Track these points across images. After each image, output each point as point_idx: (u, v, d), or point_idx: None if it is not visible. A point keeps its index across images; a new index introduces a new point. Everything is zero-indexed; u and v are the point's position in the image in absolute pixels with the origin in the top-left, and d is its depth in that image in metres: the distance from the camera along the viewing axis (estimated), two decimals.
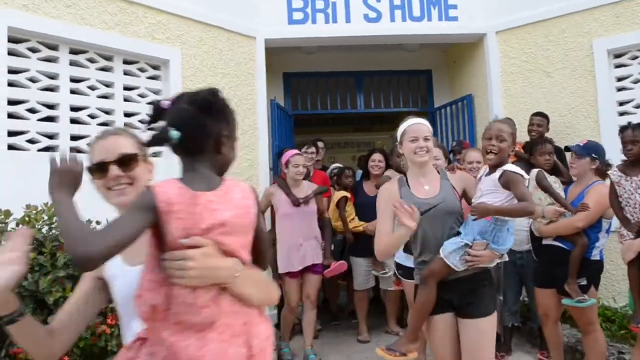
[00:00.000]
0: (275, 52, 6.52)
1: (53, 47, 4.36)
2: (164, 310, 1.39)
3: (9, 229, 3.09)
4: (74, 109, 4.48)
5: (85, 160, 1.70)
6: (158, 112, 1.53)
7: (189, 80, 5.27)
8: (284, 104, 7.47)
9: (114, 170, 1.76)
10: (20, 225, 3.10)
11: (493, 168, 2.81)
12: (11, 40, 4.06)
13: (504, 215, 2.73)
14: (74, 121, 4.47)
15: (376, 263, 5.27)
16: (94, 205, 3.96)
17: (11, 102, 4.07)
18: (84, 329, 1.80)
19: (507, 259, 2.98)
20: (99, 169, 1.77)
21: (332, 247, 5.22)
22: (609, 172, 3.80)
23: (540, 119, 5.38)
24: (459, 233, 2.81)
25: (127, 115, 4.84)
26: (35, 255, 2.93)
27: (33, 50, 4.24)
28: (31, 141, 4.19)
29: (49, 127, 4.31)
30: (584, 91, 5.71)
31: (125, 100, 4.84)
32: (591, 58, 5.67)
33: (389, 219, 2.81)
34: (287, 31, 6.30)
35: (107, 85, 4.72)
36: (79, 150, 4.46)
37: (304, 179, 4.99)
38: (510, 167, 2.74)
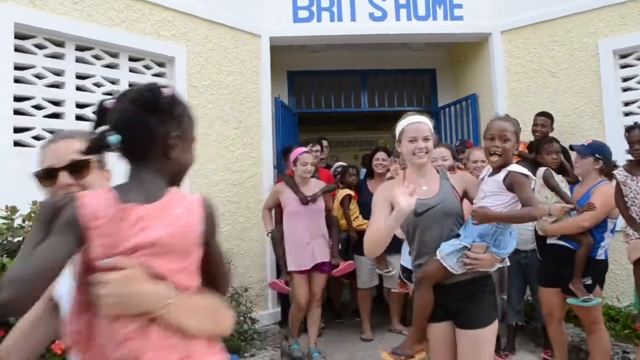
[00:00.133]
0: (279, 50, 6.52)
1: (59, 44, 4.37)
2: (86, 339, 1.24)
3: (15, 225, 3.10)
4: (80, 105, 4.48)
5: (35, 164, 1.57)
6: (102, 113, 1.37)
7: (194, 77, 5.28)
8: (288, 102, 7.47)
9: (64, 177, 1.57)
10: (26, 222, 3.11)
11: (497, 169, 2.66)
12: (18, 36, 4.06)
13: (506, 221, 2.59)
14: (79, 118, 4.47)
15: (380, 262, 5.27)
16: None
17: (17, 99, 4.07)
18: (33, 355, 1.57)
19: (508, 264, 2.86)
20: (47, 175, 1.58)
21: (340, 247, 5.21)
22: (614, 172, 3.79)
23: (544, 119, 5.38)
24: (459, 235, 2.67)
25: None
26: None
27: (39, 46, 4.24)
28: (37, 138, 4.18)
29: (54, 123, 4.31)
30: (589, 91, 5.69)
31: None
32: (597, 58, 5.65)
33: (384, 214, 2.57)
34: (292, 29, 6.30)
35: (113, 82, 4.72)
36: None
37: (312, 177, 4.98)
38: (515, 167, 2.59)
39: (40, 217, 1.29)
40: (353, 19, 6.37)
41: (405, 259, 4.01)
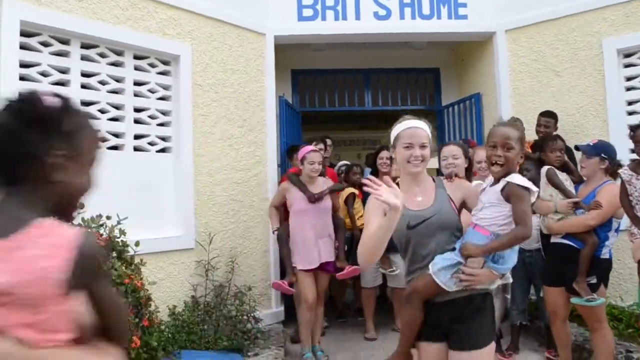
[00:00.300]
0: (283, 49, 6.52)
1: (65, 42, 4.37)
2: None
3: None
4: (85, 103, 4.48)
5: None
6: None
7: (199, 75, 5.28)
8: (291, 101, 7.48)
9: None
10: None
11: (498, 179, 2.41)
12: (23, 34, 4.06)
13: (498, 249, 2.33)
14: None
15: (384, 261, 5.27)
16: (104, 201, 3.93)
17: None
18: None
19: (510, 280, 2.69)
20: None
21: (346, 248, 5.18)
22: (619, 172, 3.79)
23: (547, 120, 5.37)
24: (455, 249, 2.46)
25: (136, 110, 4.85)
26: None
27: (45, 44, 4.24)
28: None
29: None
30: (593, 90, 5.69)
31: (136, 95, 4.85)
32: (600, 57, 5.65)
33: (378, 220, 2.32)
34: (297, 28, 6.30)
35: (118, 80, 4.72)
36: None
37: (319, 175, 4.94)
38: (515, 178, 2.33)
39: None
40: (357, 17, 6.37)
41: None
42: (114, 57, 4.70)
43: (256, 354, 4.65)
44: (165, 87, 5.11)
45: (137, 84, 4.87)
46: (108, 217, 3.43)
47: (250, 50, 5.88)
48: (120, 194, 4.50)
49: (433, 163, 9.53)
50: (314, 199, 4.76)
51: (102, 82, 4.61)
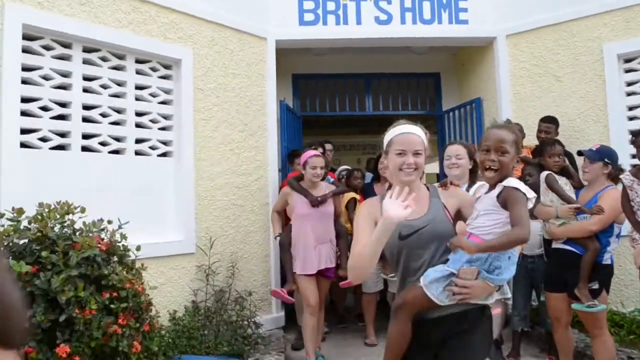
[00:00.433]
0: (284, 53, 6.53)
1: (67, 45, 4.36)
2: None
3: (21, 227, 3.10)
4: (86, 107, 4.48)
5: None
6: None
7: (200, 80, 5.28)
8: (292, 106, 7.48)
9: None
10: (32, 223, 3.11)
11: (494, 186, 2.26)
12: (26, 37, 4.06)
13: (496, 249, 2.16)
14: (85, 120, 4.47)
15: (385, 266, 5.25)
16: (105, 205, 3.95)
17: (24, 100, 4.07)
18: None
19: (509, 295, 2.45)
20: None
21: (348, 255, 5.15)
22: (621, 177, 3.79)
23: (547, 126, 5.37)
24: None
25: (138, 114, 4.85)
26: (47, 253, 2.92)
27: (47, 48, 4.24)
28: (43, 139, 4.18)
29: (61, 125, 4.31)
30: (593, 96, 5.69)
31: (137, 99, 4.85)
32: (601, 62, 5.66)
33: (368, 234, 2.24)
34: (298, 32, 6.30)
35: (119, 84, 4.72)
36: (90, 149, 4.48)
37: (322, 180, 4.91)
38: (511, 182, 2.17)
39: None
40: (358, 22, 6.38)
41: None
42: (115, 61, 4.70)
43: (257, 359, 4.64)
44: (167, 91, 5.11)
45: (138, 87, 4.87)
46: (109, 222, 3.42)
47: (251, 55, 5.88)
48: (121, 198, 4.51)
49: (433, 168, 9.58)
50: (316, 202, 4.72)
51: (104, 86, 4.60)
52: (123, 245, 3.37)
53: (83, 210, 3.31)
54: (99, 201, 3.95)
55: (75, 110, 4.39)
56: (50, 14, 4.16)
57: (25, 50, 4.07)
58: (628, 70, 5.60)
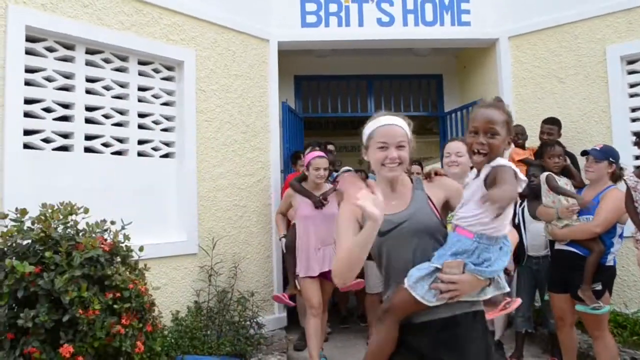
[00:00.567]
0: (286, 55, 6.54)
1: (70, 47, 4.38)
2: None
3: (25, 227, 3.11)
4: (89, 108, 4.50)
5: None
6: None
7: (203, 81, 5.29)
8: (294, 107, 7.50)
9: None
10: (36, 224, 3.12)
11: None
12: (29, 39, 4.08)
13: (493, 203, 1.76)
14: (88, 121, 4.48)
15: None
16: (108, 206, 3.96)
17: (27, 101, 4.08)
18: None
19: (508, 289, 2.13)
20: None
21: None
22: (625, 178, 3.78)
23: (549, 127, 5.36)
24: None
25: (140, 116, 4.86)
26: (51, 254, 2.93)
27: (50, 49, 4.26)
28: (46, 140, 4.20)
29: (64, 126, 4.33)
30: (596, 97, 5.69)
31: (140, 101, 4.86)
32: (604, 64, 5.65)
33: (351, 233, 2.05)
34: (300, 34, 6.31)
35: (122, 85, 4.74)
36: (93, 151, 4.49)
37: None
38: (500, 161, 1.94)
39: None
40: (361, 24, 6.38)
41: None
42: (118, 63, 4.72)
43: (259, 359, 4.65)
44: (169, 93, 5.12)
45: (141, 89, 4.88)
46: (112, 222, 3.43)
47: (253, 56, 5.89)
48: (124, 198, 4.52)
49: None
50: (319, 203, 4.65)
51: (107, 88, 4.62)
52: (126, 245, 3.38)
53: (86, 210, 3.32)
54: (102, 202, 3.96)
55: (78, 112, 4.41)
56: (53, 16, 4.17)
57: (28, 52, 4.09)
58: (631, 72, 5.60)
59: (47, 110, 4.23)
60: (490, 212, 1.83)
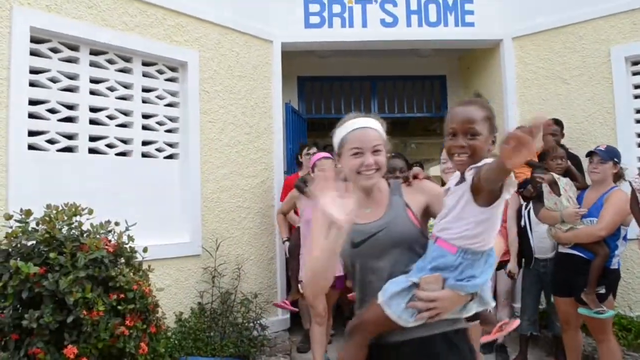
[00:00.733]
0: (289, 56, 6.53)
1: (74, 48, 4.39)
2: None
3: (29, 228, 3.11)
4: (93, 109, 4.50)
5: None
6: None
7: (206, 82, 5.29)
8: (298, 108, 7.49)
9: None
10: (40, 225, 3.12)
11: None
12: (33, 40, 4.08)
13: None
14: (92, 122, 4.49)
15: None
16: (112, 207, 3.96)
17: (32, 102, 4.09)
18: None
19: (493, 304, 1.92)
20: None
21: None
22: (630, 180, 3.77)
23: (554, 129, 5.35)
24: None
25: (144, 116, 4.86)
26: (55, 255, 2.93)
27: (54, 50, 4.26)
28: (51, 141, 4.20)
29: (68, 127, 4.33)
30: (601, 98, 5.67)
31: (144, 101, 4.86)
32: (608, 65, 5.63)
33: (322, 243, 1.82)
34: (304, 35, 6.31)
35: (126, 86, 4.74)
36: (97, 151, 4.49)
37: None
38: (487, 162, 1.63)
39: None
40: (364, 25, 6.37)
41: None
42: (122, 64, 4.72)
43: None
44: (173, 94, 5.12)
45: (145, 90, 4.89)
46: (117, 223, 3.43)
47: (257, 57, 5.89)
48: (128, 199, 4.52)
49: (436, 171, 9.54)
50: None
51: (111, 89, 4.62)
52: (130, 247, 3.38)
53: (91, 212, 3.32)
54: (106, 203, 3.96)
55: (82, 113, 4.41)
56: (58, 17, 4.18)
57: (32, 53, 4.10)
58: (635, 73, 5.57)
59: (52, 111, 4.24)
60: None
